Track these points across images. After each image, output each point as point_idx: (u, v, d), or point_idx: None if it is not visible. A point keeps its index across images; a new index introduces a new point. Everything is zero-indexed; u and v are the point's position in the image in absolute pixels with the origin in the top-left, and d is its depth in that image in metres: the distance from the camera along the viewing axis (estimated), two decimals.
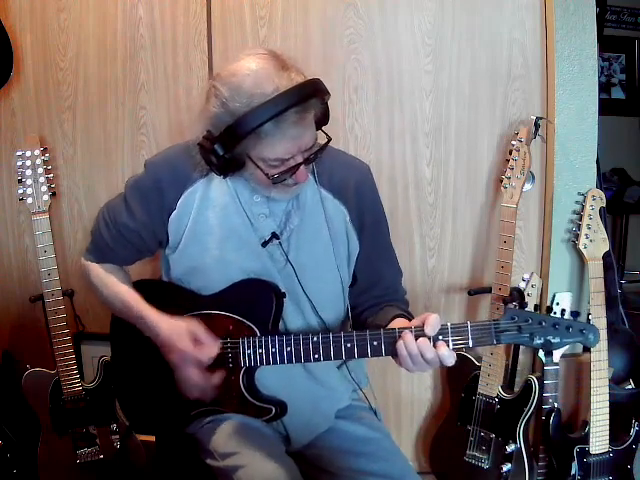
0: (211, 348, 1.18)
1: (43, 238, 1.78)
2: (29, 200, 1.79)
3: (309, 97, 1.09)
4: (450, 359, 1.08)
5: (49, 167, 1.83)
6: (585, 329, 1.07)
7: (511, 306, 1.73)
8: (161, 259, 1.36)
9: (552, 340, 1.07)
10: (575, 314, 1.10)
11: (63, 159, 1.97)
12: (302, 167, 1.14)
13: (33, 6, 1.90)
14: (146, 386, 1.33)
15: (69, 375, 1.80)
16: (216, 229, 1.25)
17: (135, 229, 1.28)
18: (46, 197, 1.79)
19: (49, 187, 1.80)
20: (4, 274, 2.06)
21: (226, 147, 1.10)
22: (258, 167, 1.12)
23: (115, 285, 1.30)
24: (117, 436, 1.84)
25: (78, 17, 1.89)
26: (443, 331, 1.10)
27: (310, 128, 1.13)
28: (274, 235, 1.24)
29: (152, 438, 1.48)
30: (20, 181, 1.79)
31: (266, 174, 1.12)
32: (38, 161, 1.80)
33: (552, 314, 1.08)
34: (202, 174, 1.24)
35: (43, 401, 1.80)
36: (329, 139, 1.18)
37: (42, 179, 1.80)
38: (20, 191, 1.79)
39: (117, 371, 1.42)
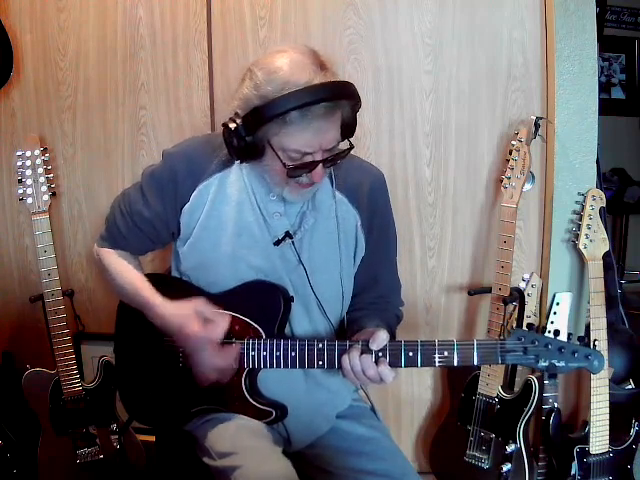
0: (220, 323, 1.17)
1: (43, 238, 1.78)
2: (29, 200, 1.79)
3: (340, 96, 1.10)
4: (389, 377, 1.12)
5: (49, 167, 1.83)
6: (590, 355, 1.08)
7: (511, 307, 1.74)
8: (172, 252, 1.36)
9: (557, 364, 1.08)
10: (582, 339, 1.11)
11: (63, 159, 1.98)
12: (319, 167, 1.13)
13: (33, 6, 1.90)
14: (148, 381, 1.33)
15: (69, 375, 1.80)
16: (229, 225, 1.25)
17: (149, 219, 1.28)
18: (46, 197, 1.79)
19: (49, 187, 1.80)
20: (4, 274, 2.06)
21: (249, 129, 1.10)
22: (277, 155, 1.12)
23: (127, 271, 1.31)
24: (117, 436, 1.84)
25: (78, 17, 1.89)
26: (448, 347, 1.12)
27: (335, 127, 1.13)
28: (287, 234, 1.24)
29: (152, 438, 1.48)
30: (20, 181, 1.79)
31: (283, 163, 1.12)
32: (38, 161, 1.80)
33: (559, 337, 1.09)
34: (218, 168, 1.25)
35: (43, 401, 1.80)
36: (351, 146, 1.18)
37: (42, 179, 1.80)
38: (20, 191, 1.79)
39: (120, 364, 1.41)
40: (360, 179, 1.31)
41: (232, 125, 1.12)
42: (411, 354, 1.13)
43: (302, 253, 1.25)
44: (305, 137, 1.10)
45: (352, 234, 1.30)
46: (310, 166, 1.13)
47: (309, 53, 1.12)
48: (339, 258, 1.28)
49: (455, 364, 1.12)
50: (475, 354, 1.11)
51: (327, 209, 1.27)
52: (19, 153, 1.80)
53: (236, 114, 1.13)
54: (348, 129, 1.17)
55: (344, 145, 1.19)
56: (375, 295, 1.35)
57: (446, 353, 1.11)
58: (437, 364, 1.13)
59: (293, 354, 1.18)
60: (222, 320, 1.18)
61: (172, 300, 1.23)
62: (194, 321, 1.17)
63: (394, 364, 1.13)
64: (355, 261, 1.32)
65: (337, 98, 1.10)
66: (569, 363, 1.08)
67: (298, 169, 1.13)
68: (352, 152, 1.23)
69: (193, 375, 1.22)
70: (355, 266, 1.33)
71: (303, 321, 1.29)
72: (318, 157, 1.13)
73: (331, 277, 1.28)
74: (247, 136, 1.11)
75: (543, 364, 1.08)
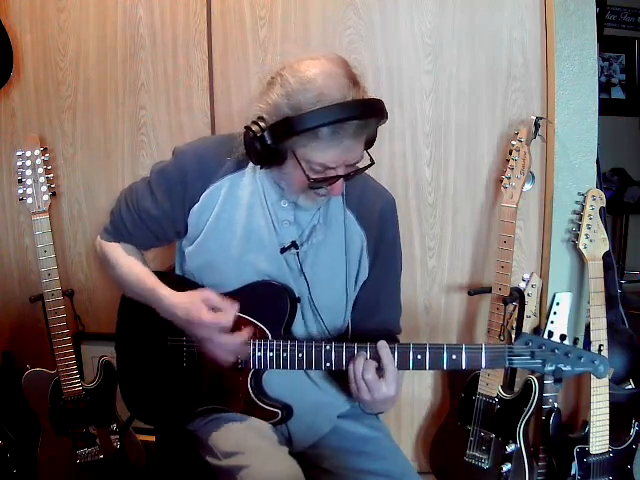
0: (229, 310, 1.16)
1: (43, 238, 1.78)
2: (29, 200, 1.79)
3: (373, 115, 1.10)
4: (388, 389, 1.12)
5: (49, 167, 1.83)
6: (596, 360, 1.09)
7: (511, 307, 1.74)
8: (176, 250, 1.36)
9: (563, 368, 1.09)
10: (587, 343, 1.12)
11: (63, 159, 1.98)
12: (340, 180, 1.13)
13: (33, 6, 1.90)
14: (151, 380, 1.33)
15: (69, 375, 1.80)
16: (238, 228, 1.24)
17: (156, 216, 1.27)
18: (46, 197, 1.79)
19: (49, 187, 1.80)
20: (4, 274, 2.06)
21: (276, 137, 1.08)
22: (300, 166, 1.11)
23: (133, 264, 1.30)
24: (117, 436, 1.84)
25: (78, 17, 1.90)
26: (457, 350, 1.12)
27: (361, 144, 1.12)
28: (293, 244, 1.23)
29: (152, 438, 1.48)
30: (20, 181, 1.79)
31: (307, 175, 1.11)
32: (38, 161, 1.79)
33: (565, 342, 1.10)
34: (230, 170, 1.24)
35: (43, 401, 1.80)
36: (372, 162, 1.17)
37: (42, 179, 1.79)
38: (20, 191, 1.79)
39: (122, 362, 1.41)
40: (372, 200, 1.30)
41: (256, 129, 1.09)
42: (419, 357, 1.14)
43: (305, 266, 1.25)
44: (333, 153, 1.08)
45: (357, 254, 1.29)
46: (331, 180, 1.12)
47: (342, 64, 1.10)
48: (343, 276, 1.27)
49: (463, 367, 1.12)
50: (483, 358, 1.12)
51: (336, 225, 1.26)
52: (19, 153, 1.80)
53: (260, 118, 1.10)
54: (369, 143, 1.17)
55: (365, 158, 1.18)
56: (376, 322, 1.33)
57: (454, 356, 1.12)
58: (445, 367, 1.13)
59: (300, 355, 1.18)
60: (230, 307, 1.16)
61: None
62: (202, 309, 1.15)
63: (402, 366, 1.14)
64: (357, 282, 1.31)
65: (369, 116, 1.09)
66: (575, 367, 1.09)
67: (319, 182, 1.12)
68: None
69: (211, 360, 1.20)
70: (357, 286, 1.31)
71: (300, 328, 1.29)
72: (340, 172, 1.12)
73: (333, 293, 1.28)
74: (272, 143, 1.09)
75: (549, 368, 1.09)
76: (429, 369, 1.14)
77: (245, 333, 1.18)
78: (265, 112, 1.10)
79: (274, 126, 1.08)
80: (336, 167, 1.11)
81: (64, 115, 1.95)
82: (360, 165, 1.16)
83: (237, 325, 1.22)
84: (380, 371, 1.14)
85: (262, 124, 1.09)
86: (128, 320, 1.37)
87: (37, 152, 1.80)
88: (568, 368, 1.09)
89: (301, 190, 1.17)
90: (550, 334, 1.13)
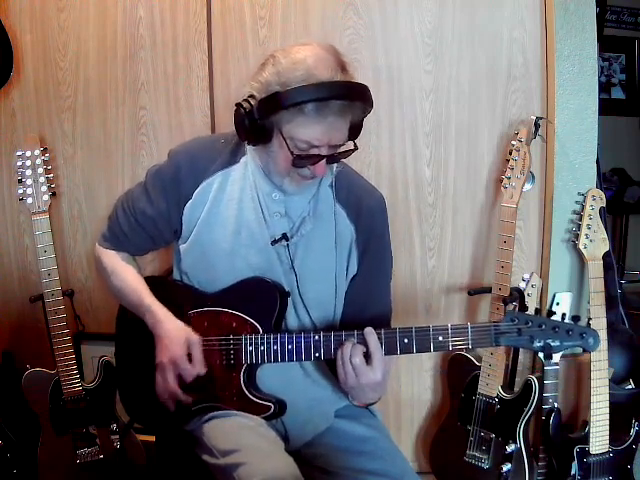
0: (198, 370, 1.21)
1: (43, 238, 1.78)
2: (29, 200, 1.79)
3: (358, 98, 1.13)
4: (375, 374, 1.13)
5: (49, 167, 1.83)
6: (585, 333, 1.08)
7: (511, 306, 1.74)
8: (174, 251, 1.37)
9: (552, 343, 1.08)
10: (576, 318, 1.11)
11: (63, 159, 1.97)
12: (323, 161, 1.15)
13: (33, 6, 1.90)
14: (149, 382, 1.33)
15: (69, 375, 1.80)
16: (229, 221, 1.26)
17: (152, 216, 1.30)
18: (46, 197, 1.79)
19: (49, 187, 1.80)
20: (4, 274, 2.06)
21: (263, 113, 1.11)
22: (285, 143, 1.13)
23: (127, 274, 1.33)
24: (117, 436, 1.84)
25: (78, 17, 1.89)
26: (443, 332, 1.13)
27: (345, 126, 1.16)
28: (284, 236, 1.25)
29: (152, 438, 1.48)
30: (20, 181, 1.79)
31: (291, 152, 1.13)
32: (38, 161, 1.79)
33: (553, 317, 1.09)
34: (221, 166, 1.26)
35: (43, 401, 1.80)
36: (356, 148, 1.20)
37: (42, 179, 1.79)
38: (20, 191, 1.79)
39: (120, 364, 1.42)
40: (361, 197, 1.32)
41: (246, 105, 1.13)
42: (406, 340, 1.15)
43: (295, 258, 1.26)
44: (317, 130, 1.11)
45: (346, 248, 1.31)
46: (315, 159, 1.15)
47: (333, 52, 1.15)
48: (334, 268, 1.29)
49: (450, 348, 1.13)
50: (469, 337, 1.12)
51: (326, 219, 1.28)
52: (19, 153, 1.80)
53: (251, 96, 1.14)
54: (354, 131, 1.19)
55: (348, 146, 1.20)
56: (367, 318, 1.32)
57: (441, 338, 1.13)
58: (432, 349, 1.14)
59: (290, 347, 1.20)
60: (201, 368, 1.21)
61: (171, 302, 1.25)
62: (183, 347, 1.20)
63: (390, 352, 1.15)
64: (347, 275, 1.32)
65: (354, 99, 1.12)
66: (564, 342, 1.08)
67: (303, 159, 1.15)
68: (356, 169, 1.25)
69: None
70: (347, 280, 1.32)
71: (293, 321, 1.30)
72: (324, 152, 1.15)
73: (323, 286, 1.29)
74: (260, 119, 1.12)
75: (538, 344, 1.09)
76: (417, 352, 1.15)
77: (187, 397, 1.23)
78: (256, 90, 1.14)
79: (262, 101, 1.11)
80: (320, 146, 1.13)
81: (64, 115, 1.95)
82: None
83: (228, 323, 1.25)
84: (367, 357, 1.15)
85: (252, 101, 1.13)
86: (126, 326, 1.38)
87: (37, 152, 1.79)
88: (557, 343, 1.08)
89: (286, 170, 1.18)
90: (537, 311, 1.11)
